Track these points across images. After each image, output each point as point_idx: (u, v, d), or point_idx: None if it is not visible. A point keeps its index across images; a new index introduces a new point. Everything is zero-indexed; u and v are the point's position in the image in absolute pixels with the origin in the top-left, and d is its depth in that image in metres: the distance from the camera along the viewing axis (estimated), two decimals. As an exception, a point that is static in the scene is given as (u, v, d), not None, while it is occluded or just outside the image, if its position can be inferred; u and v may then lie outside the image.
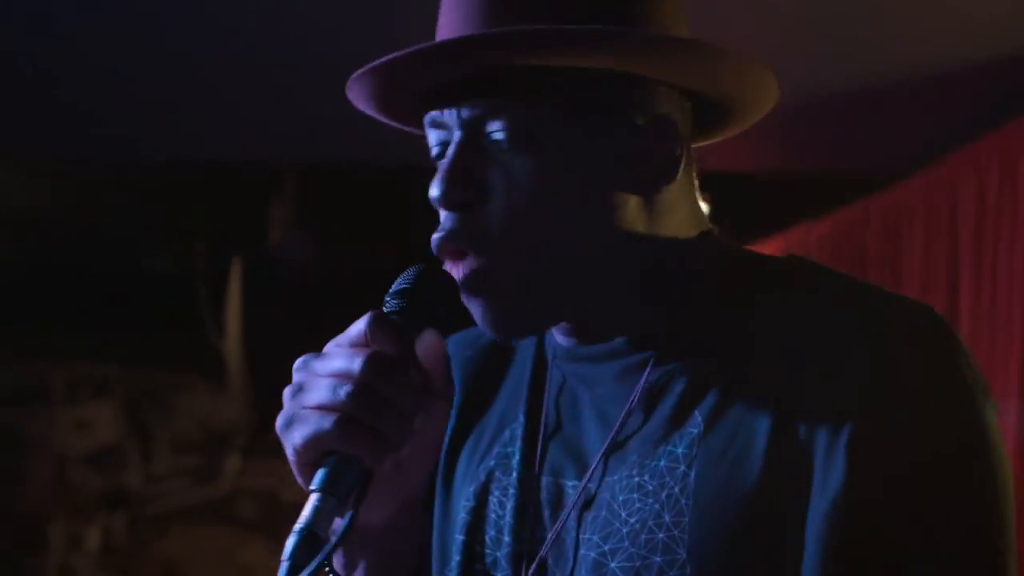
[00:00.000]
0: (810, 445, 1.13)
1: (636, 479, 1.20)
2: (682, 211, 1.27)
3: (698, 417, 1.19)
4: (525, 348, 1.40)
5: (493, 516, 1.31)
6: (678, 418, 1.20)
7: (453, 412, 1.40)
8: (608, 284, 1.23)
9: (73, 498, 8.70)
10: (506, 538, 1.29)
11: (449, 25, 1.23)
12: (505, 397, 1.39)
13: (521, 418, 1.34)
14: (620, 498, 1.20)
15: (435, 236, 1.22)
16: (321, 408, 1.09)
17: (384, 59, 1.19)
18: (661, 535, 1.16)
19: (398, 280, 1.19)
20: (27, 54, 3.97)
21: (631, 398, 1.24)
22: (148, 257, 6.84)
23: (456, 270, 1.21)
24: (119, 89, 4.28)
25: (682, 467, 1.17)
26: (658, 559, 1.15)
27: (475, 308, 1.22)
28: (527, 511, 1.29)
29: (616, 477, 1.22)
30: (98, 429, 8.97)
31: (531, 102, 1.19)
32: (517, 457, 1.31)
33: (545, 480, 1.29)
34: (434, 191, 1.21)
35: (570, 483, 1.26)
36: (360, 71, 1.22)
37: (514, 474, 1.31)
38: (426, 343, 1.15)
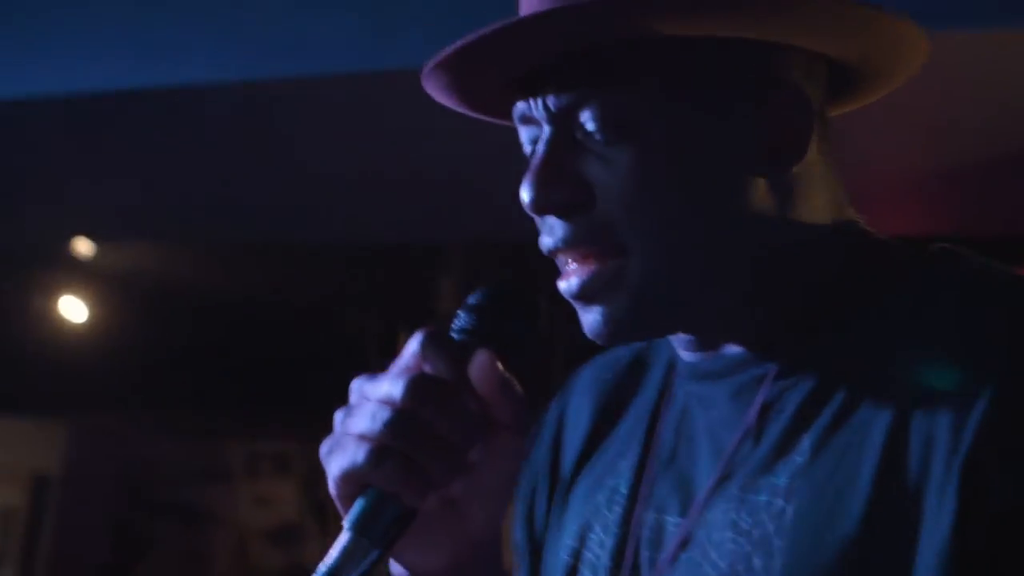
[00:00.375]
0: (923, 476, 0.95)
1: (732, 515, 1.04)
2: (818, 197, 1.09)
3: (805, 442, 1.02)
4: (656, 368, 1.23)
5: (591, 556, 1.16)
6: (785, 444, 1.03)
7: (579, 441, 1.25)
8: (731, 282, 1.07)
9: (254, 573, 8.85)
10: None
11: (529, 2, 1.07)
12: (628, 424, 1.22)
13: (636, 448, 1.18)
14: (714, 537, 1.04)
15: (544, 241, 1.08)
16: (361, 436, 0.97)
17: (455, 46, 1.04)
18: None
19: (472, 295, 1.06)
20: (210, 146, 4.13)
21: (745, 421, 1.07)
22: (322, 333, 6.97)
23: (573, 276, 1.07)
24: (294, 173, 4.42)
25: (780, 502, 1.01)
26: None
27: (591, 314, 1.07)
28: (624, 552, 1.12)
29: (715, 513, 1.06)
30: (278, 505, 9.13)
31: (624, 83, 1.04)
32: (623, 492, 1.15)
33: (649, 517, 1.12)
34: (524, 194, 1.06)
35: (672, 520, 1.10)
36: (431, 63, 1.07)
37: (618, 510, 1.15)
38: (477, 366, 1.00)
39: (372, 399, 0.99)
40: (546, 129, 1.07)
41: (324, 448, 1.01)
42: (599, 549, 1.16)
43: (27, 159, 4.34)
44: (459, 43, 1.04)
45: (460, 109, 1.17)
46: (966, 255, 1.09)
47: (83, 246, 5.90)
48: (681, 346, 1.14)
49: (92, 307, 6.86)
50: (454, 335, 1.03)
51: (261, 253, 6.25)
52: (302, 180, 4.52)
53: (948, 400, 0.96)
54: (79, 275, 6.51)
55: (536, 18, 1.02)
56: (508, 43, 1.04)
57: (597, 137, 1.04)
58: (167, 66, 3.37)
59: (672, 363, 1.20)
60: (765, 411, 1.07)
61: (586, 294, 1.06)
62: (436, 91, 1.13)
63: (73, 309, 6.83)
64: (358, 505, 0.98)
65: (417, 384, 0.97)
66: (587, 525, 1.18)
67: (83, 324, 6.90)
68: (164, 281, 6.72)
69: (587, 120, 1.04)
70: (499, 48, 1.04)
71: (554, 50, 1.04)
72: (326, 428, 1.03)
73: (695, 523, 1.07)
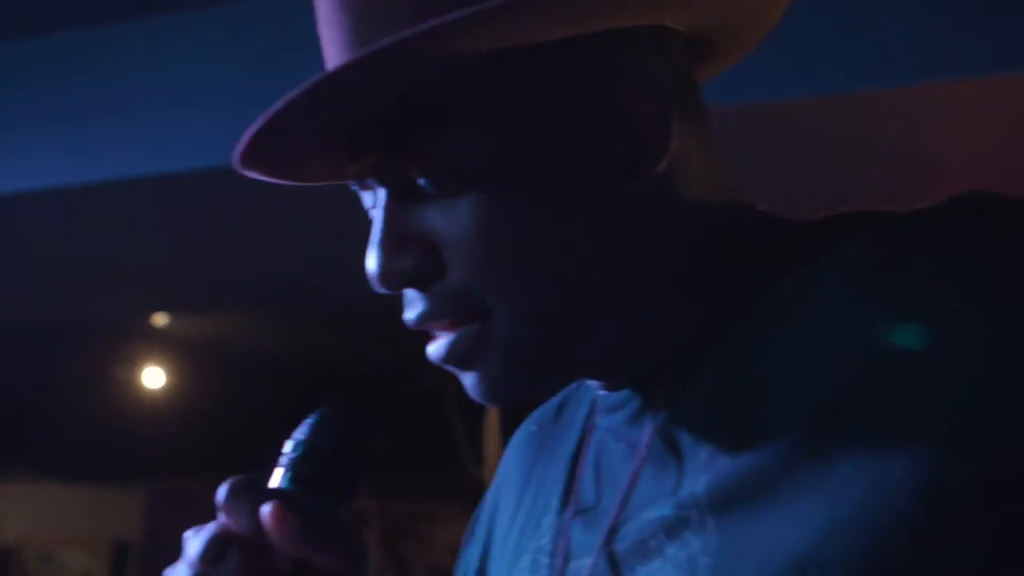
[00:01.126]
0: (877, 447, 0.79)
1: (651, 542, 0.91)
2: (698, 188, 0.94)
3: (703, 455, 0.89)
4: (581, 408, 1.10)
5: None
6: (687, 459, 0.90)
7: (510, 508, 1.14)
8: (610, 314, 0.93)
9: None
10: None
11: (328, 61, 0.94)
12: (553, 475, 1.09)
13: (557, 500, 1.06)
14: (639, 571, 0.91)
15: (406, 317, 0.94)
16: None
17: (248, 136, 0.91)
18: None
19: (300, 426, 0.95)
20: (282, 219, 4.21)
21: (640, 446, 0.94)
22: (400, 394, 7.02)
23: (441, 339, 0.94)
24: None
25: (696, 516, 0.88)
26: None
27: (467, 379, 0.94)
28: None
29: (627, 545, 0.94)
30: (358, 561, 9.16)
31: (443, 124, 0.90)
32: (546, 548, 1.03)
33: (570, 568, 0.99)
34: (368, 267, 0.93)
35: (583, 563, 0.97)
36: (238, 153, 0.94)
37: (542, 571, 1.02)
38: (264, 517, 0.89)
39: (184, 559, 0.90)
40: (381, 193, 0.93)
41: None
42: None
43: (108, 238, 4.44)
44: (245, 141, 0.91)
45: (304, 185, 1.03)
46: (870, 220, 0.91)
47: (160, 317, 6.00)
48: (593, 384, 1.01)
49: (170, 375, 6.95)
50: (280, 469, 0.93)
51: (334, 318, 6.32)
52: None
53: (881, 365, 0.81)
54: (156, 345, 6.61)
55: (322, 83, 0.87)
56: (308, 113, 0.90)
57: (432, 190, 0.90)
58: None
59: (594, 399, 1.05)
60: (661, 432, 0.94)
61: (453, 360, 0.93)
62: (257, 173, 0.98)
63: (151, 378, 6.93)
64: None
65: (210, 544, 0.88)
66: None
67: (161, 391, 6.99)
68: (240, 348, 6.81)
69: (416, 174, 0.90)
70: (300, 120, 0.90)
71: (364, 105, 0.90)
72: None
73: (601, 560, 0.95)
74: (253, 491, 0.89)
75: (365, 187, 0.95)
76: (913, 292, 0.82)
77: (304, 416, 0.95)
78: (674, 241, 0.92)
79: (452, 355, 0.92)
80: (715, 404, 0.90)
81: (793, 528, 0.81)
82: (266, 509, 0.87)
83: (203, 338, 6.65)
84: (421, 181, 0.89)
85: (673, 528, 0.89)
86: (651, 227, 0.92)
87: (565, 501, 1.04)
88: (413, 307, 0.93)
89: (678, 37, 0.94)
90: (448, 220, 0.89)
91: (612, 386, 0.98)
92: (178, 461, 8.18)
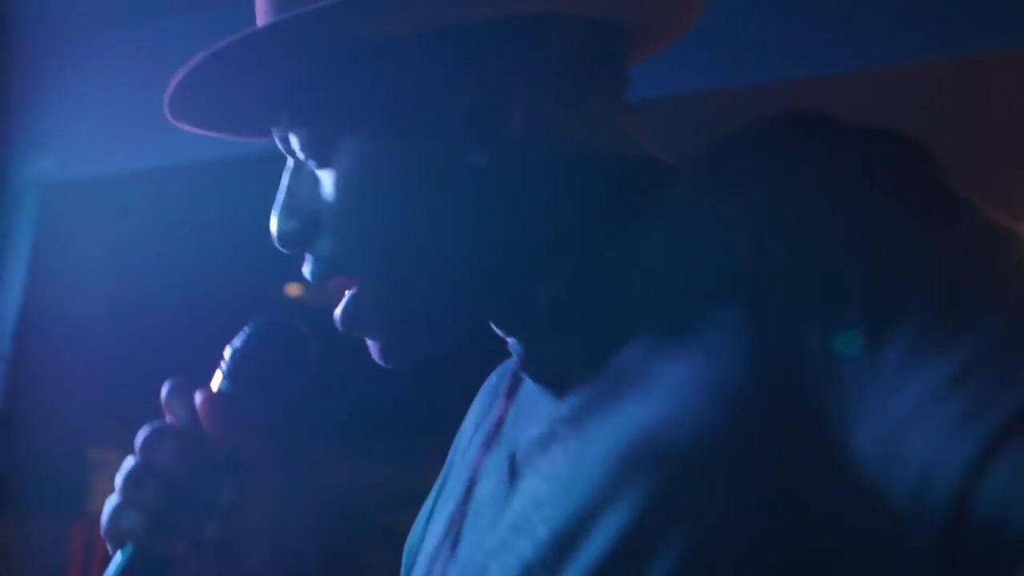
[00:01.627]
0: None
1: (531, 458, 0.98)
2: (567, 147, 0.99)
3: (579, 375, 0.96)
4: None
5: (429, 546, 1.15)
6: (567, 383, 0.97)
7: (463, 447, 1.22)
8: (474, 277, 1.00)
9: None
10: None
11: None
12: (494, 417, 1.16)
13: (483, 435, 1.14)
14: (520, 486, 0.99)
15: (303, 271, 1.04)
16: (115, 491, 0.96)
17: (167, 105, 1.02)
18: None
19: (237, 335, 1.02)
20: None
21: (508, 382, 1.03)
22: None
23: (337, 308, 1.03)
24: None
25: (561, 430, 0.95)
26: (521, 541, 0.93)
27: (369, 345, 1.05)
28: (450, 530, 1.09)
29: (515, 465, 1.01)
30: (474, 527, 9.25)
31: (312, 104, 0.99)
32: (466, 476, 1.12)
33: (478, 488, 1.09)
34: (270, 229, 1.03)
35: (488, 484, 1.06)
36: (167, 110, 1.03)
37: (461, 497, 1.12)
38: (197, 407, 0.97)
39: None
40: (288, 161, 1.04)
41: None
42: (433, 537, 1.14)
43: (239, 214, 4.54)
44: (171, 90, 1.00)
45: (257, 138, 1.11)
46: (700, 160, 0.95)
47: (294, 287, 6.13)
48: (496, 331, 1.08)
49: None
50: (218, 372, 1.00)
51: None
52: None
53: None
54: (288, 313, 6.74)
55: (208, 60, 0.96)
56: (209, 89, 1.00)
57: (310, 163, 1.00)
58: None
59: None
60: (531, 368, 1.02)
61: (347, 327, 1.03)
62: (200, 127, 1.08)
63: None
64: (116, 559, 0.96)
65: (150, 434, 0.96)
66: (440, 521, 1.15)
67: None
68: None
69: (296, 147, 1.00)
70: (207, 96, 1.01)
71: (253, 84, 1.00)
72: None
73: (499, 479, 1.04)
74: (191, 389, 0.98)
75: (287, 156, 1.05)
76: (711, 207, 0.89)
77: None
78: (536, 204, 0.99)
79: (343, 323, 1.03)
80: (580, 333, 0.97)
81: (626, 427, 0.86)
82: (198, 399, 0.96)
83: (332, 306, 6.77)
84: (301, 154, 1.00)
85: (545, 442, 0.96)
86: (509, 192, 0.98)
87: (489, 438, 1.11)
88: (307, 265, 1.03)
89: (566, 22, 0.98)
90: (322, 191, 0.99)
91: (506, 333, 1.05)
92: (307, 424, 8.31)
